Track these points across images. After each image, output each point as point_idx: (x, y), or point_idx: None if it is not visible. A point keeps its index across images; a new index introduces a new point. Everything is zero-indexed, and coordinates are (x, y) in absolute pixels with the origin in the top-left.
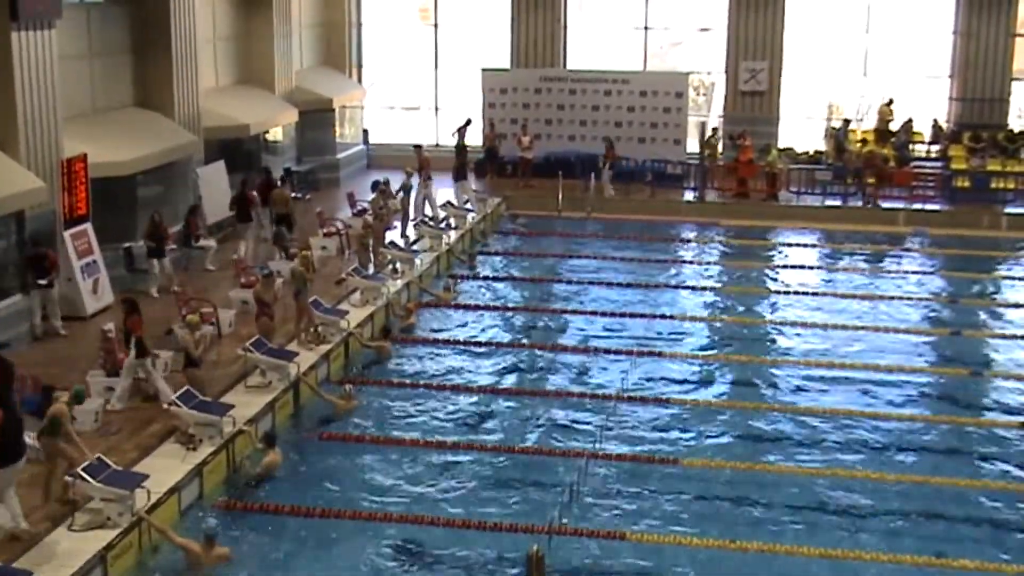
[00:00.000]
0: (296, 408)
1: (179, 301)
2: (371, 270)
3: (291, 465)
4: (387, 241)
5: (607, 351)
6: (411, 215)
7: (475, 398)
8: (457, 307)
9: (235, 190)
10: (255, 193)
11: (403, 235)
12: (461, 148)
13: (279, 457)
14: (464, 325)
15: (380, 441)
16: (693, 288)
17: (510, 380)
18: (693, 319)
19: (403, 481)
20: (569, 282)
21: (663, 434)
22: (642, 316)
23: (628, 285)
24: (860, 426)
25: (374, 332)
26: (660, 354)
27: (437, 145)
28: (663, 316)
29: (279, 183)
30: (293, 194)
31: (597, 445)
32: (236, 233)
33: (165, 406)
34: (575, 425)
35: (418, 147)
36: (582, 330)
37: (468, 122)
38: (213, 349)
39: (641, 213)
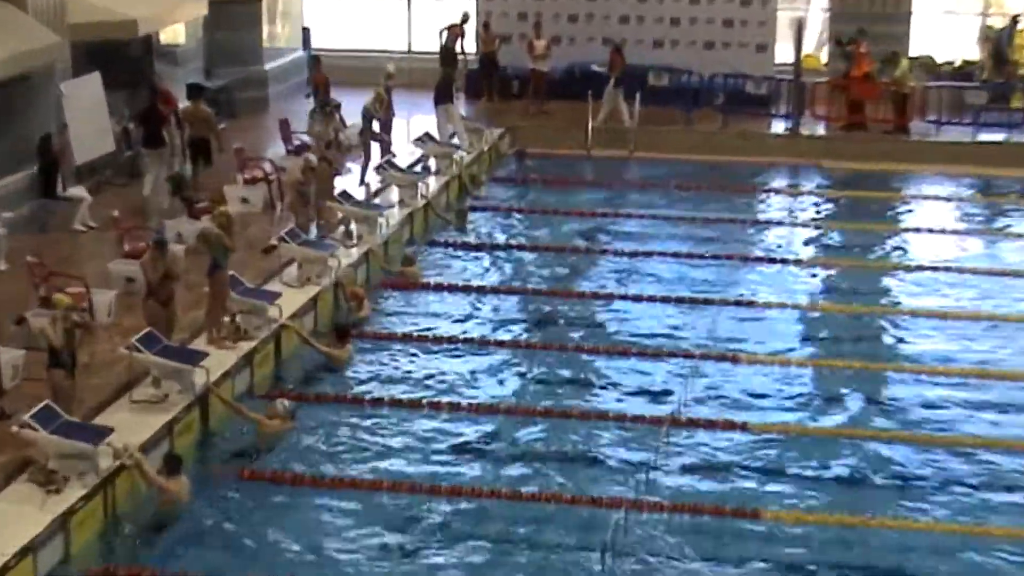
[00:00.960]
0: (204, 433)
1: (34, 276)
2: (313, 233)
3: (197, 516)
4: (337, 192)
5: (656, 353)
6: (373, 153)
7: (461, 421)
8: (434, 289)
9: (140, 104)
10: (167, 107)
11: (362, 183)
12: (449, 55)
13: (185, 487)
14: (447, 316)
15: (325, 483)
16: (782, 261)
17: (513, 396)
18: (782, 306)
19: (355, 545)
20: (602, 253)
21: (737, 473)
22: (708, 302)
23: (688, 257)
24: None
25: (317, 325)
26: (734, 357)
27: (410, 52)
28: (738, 302)
29: (194, 97)
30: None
31: (641, 490)
32: (141, 166)
33: (13, 429)
34: (609, 460)
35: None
36: (620, 322)
37: (465, 18)
38: (85, 347)
39: (708, 151)
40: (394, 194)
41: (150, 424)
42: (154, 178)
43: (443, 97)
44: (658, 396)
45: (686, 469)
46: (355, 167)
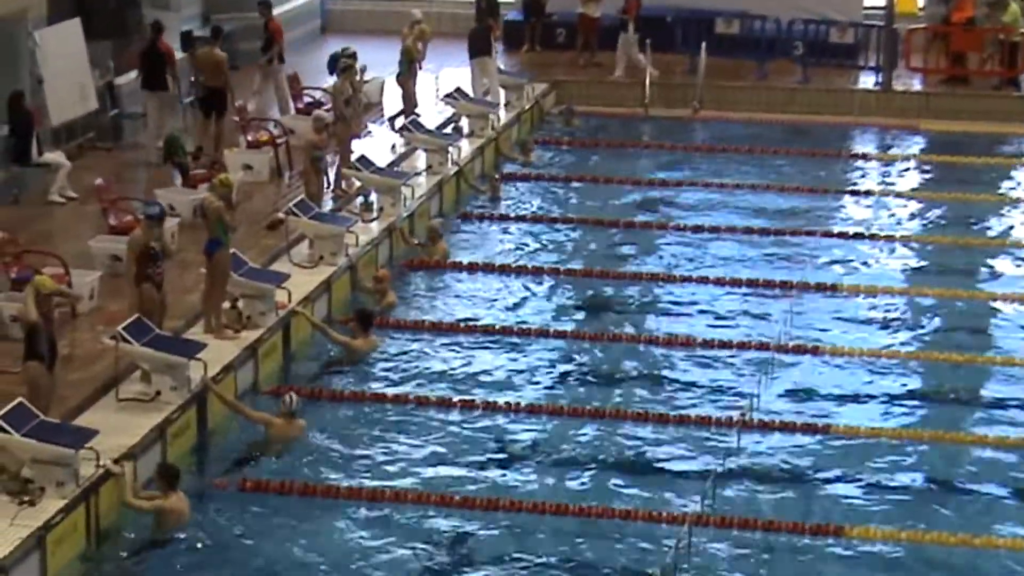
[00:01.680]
0: (202, 436)
1: (4, 255)
2: (328, 205)
3: (192, 533)
4: (355, 157)
5: (724, 345)
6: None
7: (498, 423)
8: (466, 270)
9: (132, 50)
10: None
11: (394, 150)
12: (487, 2)
13: (185, 505)
14: (481, 301)
15: (340, 495)
16: (872, 238)
17: (558, 394)
18: (871, 291)
19: (373, 567)
20: (662, 228)
21: (818, 484)
22: (785, 286)
23: (761, 233)
24: None
25: (331, 312)
26: (815, 349)
27: None
28: (821, 286)
29: (210, 40)
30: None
31: (706, 503)
32: (146, 116)
33: None
34: (669, 468)
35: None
36: (683, 309)
37: None
38: (65, 335)
39: (785, 110)
40: (420, 160)
41: (139, 426)
42: (156, 129)
43: (479, 48)
44: (727, 394)
45: (758, 479)
46: (376, 128)
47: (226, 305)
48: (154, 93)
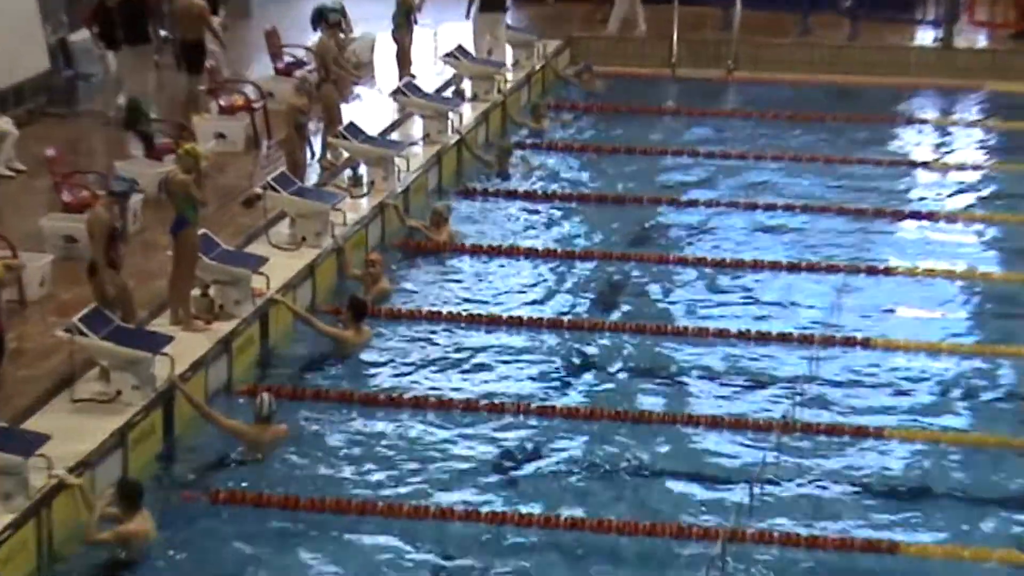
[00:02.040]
0: (168, 442)
1: None
2: (312, 179)
3: (157, 552)
4: (343, 125)
5: (762, 337)
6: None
7: (506, 427)
8: (470, 253)
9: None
10: None
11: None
12: None
13: (150, 525)
14: (487, 288)
15: (324, 508)
16: (930, 215)
17: (575, 394)
18: (930, 274)
19: None
20: (691, 204)
21: (869, 494)
22: (831, 269)
23: (804, 210)
24: None
25: (316, 301)
26: (865, 342)
27: None
28: (872, 269)
29: None
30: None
31: (742, 517)
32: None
33: None
34: (700, 477)
35: None
36: (715, 296)
37: None
38: (12, 327)
39: (832, 70)
40: (417, 127)
41: (97, 430)
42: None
43: (495, 2)
44: (765, 393)
45: (801, 489)
46: (367, 92)
47: (196, 293)
48: (132, 48)
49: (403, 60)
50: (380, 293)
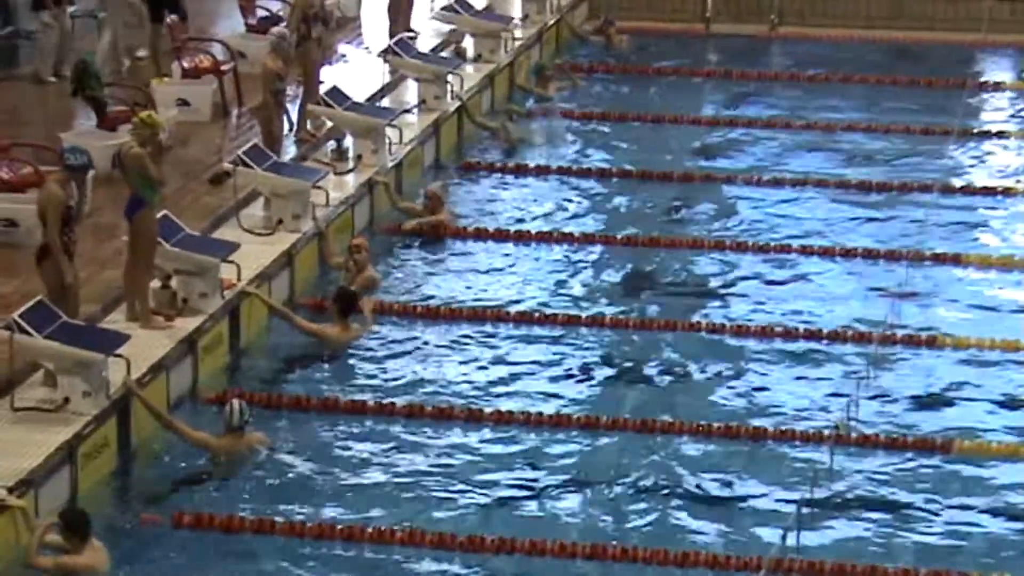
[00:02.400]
0: (124, 457)
1: None
2: (289, 153)
3: None
4: (325, 90)
5: (812, 335)
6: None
7: (511, 439)
8: (472, 236)
9: None
10: None
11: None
12: None
13: (102, 557)
14: (491, 277)
15: (302, 531)
16: (1006, 193)
17: (591, 401)
18: (1006, 265)
19: None
20: (729, 181)
21: (934, 518)
22: (891, 257)
23: (859, 188)
24: None
25: (293, 293)
26: (931, 341)
27: None
28: (939, 257)
29: None
30: None
31: (789, 544)
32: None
33: None
34: (739, 498)
35: None
36: (755, 288)
37: None
38: None
39: (889, 25)
40: (410, 92)
41: (41, 444)
42: (112, 37)
43: None
44: (816, 400)
45: (855, 510)
46: (352, 51)
47: (156, 284)
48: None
49: (398, 13)
50: (366, 284)
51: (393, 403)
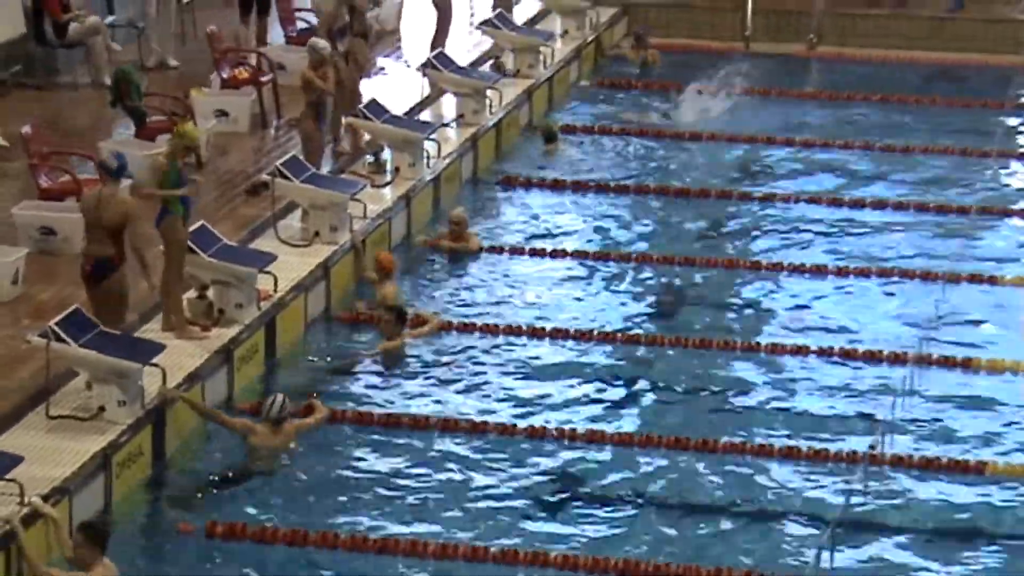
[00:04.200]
0: (159, 466)
1: None
2: (327, 165)
3: None
4: (363, 101)
5: (847, 354)
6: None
7: (546, 454)
8: (509, 252)
9: None
10: None
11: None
12: None
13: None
14: (528, 294)
15: (336, 542)
16: None
17: (626, 418)
18: None
19: None
20: (764, 199)
21: (973, 542)
22: (928, 278)
23: (898, 207)
24: None
25: (329, 306)
26: (967, 363)
27: None
28: (976, 277)
29: None
30: None
31: (824, 565)
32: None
33: None
34: (774, 519)
35: None
36: (790, 307)
37: None
38: None
39: (932, 46)
40: (449, 106)
41: (76, 452)
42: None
43: None
44: (849, 420)
45: (888, 531)
46: (391, 64)
47: (193, 295)
48: None
49: (443, 26)
50: (385, 298)
51: (427, 417)
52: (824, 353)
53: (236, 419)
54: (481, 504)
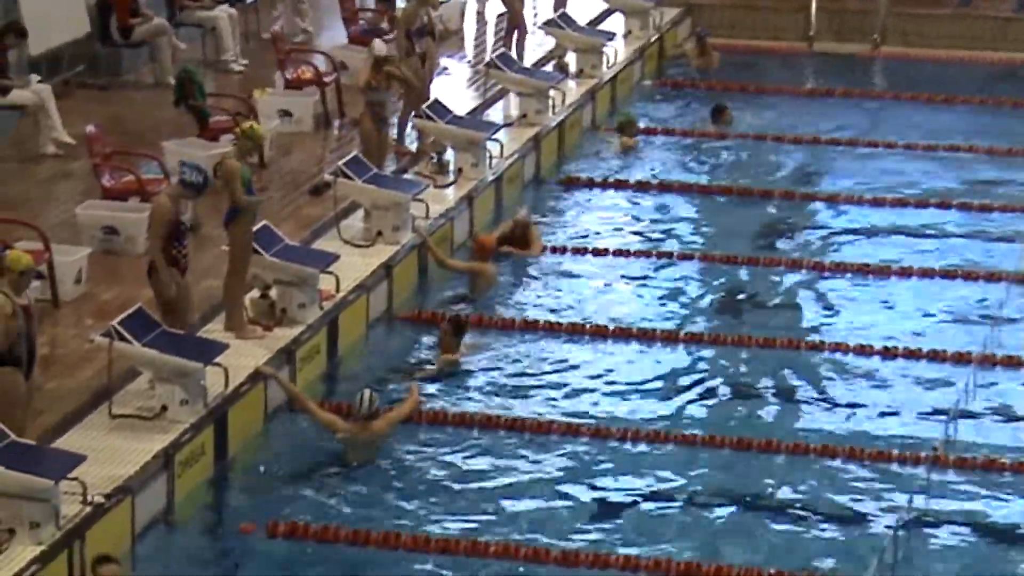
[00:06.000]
0: (221, 465)
1: None
2: (390, 165)
3: None
4: (429, 101)
5: (909, 354)
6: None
7: (611, 451)
8: (573, 252)
9: None
10: None
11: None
12: None
13: None
14: (587, 293)
15: (399, 542)
16: None
17: (687, 412)
18: None
19: None
20: (831, 200)
21: None
22: (994, 278)
23: (962, 208)
24: None
25: (391, 307)
26: None
27: None
28: None
29: None
30: None
31: (885, 569)
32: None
33: None
34: (835, 518)
35: None
36: (854, 307)
37: None
38: (44, 330)
39: (997, 47)
40: (511, 106)
41: (139, 451)
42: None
43: None
44: (913, 420)
45: (952, 533)
46: (454, 64)
47: (255, 294)
48: None
49: (516, 27)
50: (484, 284)
51: (498, 415)
52: (888, 353)
53: (324, 413)
54: (543, 504)
